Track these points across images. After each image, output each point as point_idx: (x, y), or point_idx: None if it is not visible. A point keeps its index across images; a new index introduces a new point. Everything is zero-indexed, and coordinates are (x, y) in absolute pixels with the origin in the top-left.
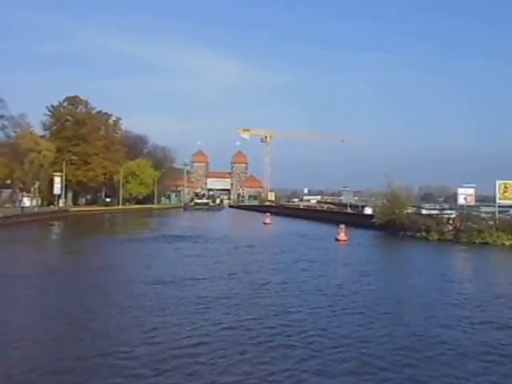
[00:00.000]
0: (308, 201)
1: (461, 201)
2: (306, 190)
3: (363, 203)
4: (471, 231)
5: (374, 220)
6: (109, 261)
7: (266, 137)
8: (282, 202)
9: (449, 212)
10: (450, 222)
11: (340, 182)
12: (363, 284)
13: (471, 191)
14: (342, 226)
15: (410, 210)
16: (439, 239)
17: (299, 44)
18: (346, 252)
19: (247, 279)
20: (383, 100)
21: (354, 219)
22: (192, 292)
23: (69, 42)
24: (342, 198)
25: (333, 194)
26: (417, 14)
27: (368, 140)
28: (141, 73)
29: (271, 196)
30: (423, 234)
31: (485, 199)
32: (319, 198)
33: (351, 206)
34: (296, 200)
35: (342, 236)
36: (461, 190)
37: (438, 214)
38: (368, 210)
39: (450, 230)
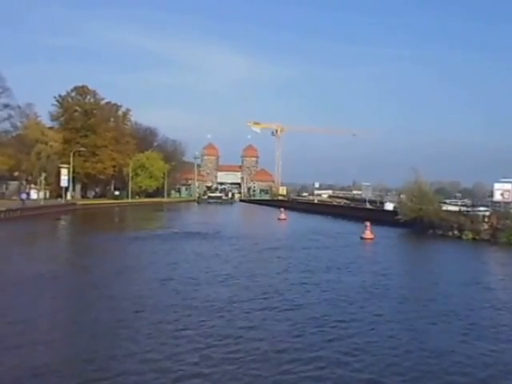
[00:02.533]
0: (319, 195)
1: (497, 197)
2: (317, 185)
3: (379, 198)
4: (511, 230)
5: (398, 217)
6: (115, 266)
7: (276, 130)
8: (295, 197)
9: (482, 209)
10: (486, 219)
11: (349, 177)
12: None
13: (509, 186)
14: (368, 224)
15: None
16: (474, 239)
17: (307, 39)
18: (377, 253)
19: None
20: (387, 95)
21: (375, 215)
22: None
23: (81, 36)
24: (354, 192)
25: (342, 189)
26: (420, 9)
27: (375, 134)
28: (152, 67)
29: (282, 190)
30: (456, 232)
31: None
32: (330, 192)
33: (370, 201)
34: (305, 194)
35: (368, 234)
36: (497, 185)
37: (469, 211)
38: (389, 206)
39: (486, 229)
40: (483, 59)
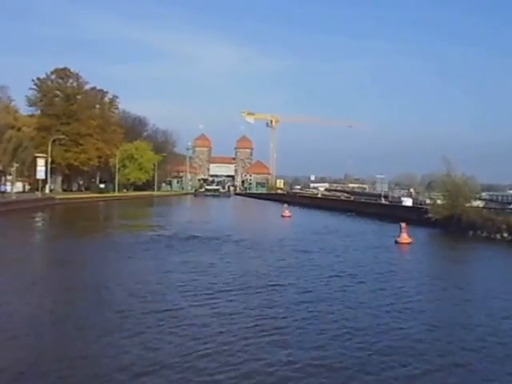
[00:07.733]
0: (316, 188)
1: None
2: (312, 177)
3: (384, 192)
4: None
5: (429, 215)
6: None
7: (271, 121)
8: (295, 190)
9: None
10: None
11: (341, 170)
12: None
13: None
14: (403, 225)
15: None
16: None
17: (300, 31)
18: (429, 265)
19: None
20: (380, 88)
21: (394, 212)
22: None
23: (70, 27)
24: (351, 185)
25: (335, 182)
26: (412, 2)
27: (368, 127)
28: (143, 58)
29: (280, 183)
30: (505, 235)
31: (490, 188)
32: (327, 185)
33: (385, 196)
34: (298, 187)
35: (405, 238)
36: None
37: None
38: (407, 202)
39: None
40: (476, 53)
